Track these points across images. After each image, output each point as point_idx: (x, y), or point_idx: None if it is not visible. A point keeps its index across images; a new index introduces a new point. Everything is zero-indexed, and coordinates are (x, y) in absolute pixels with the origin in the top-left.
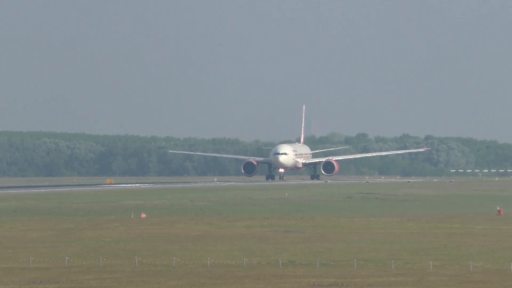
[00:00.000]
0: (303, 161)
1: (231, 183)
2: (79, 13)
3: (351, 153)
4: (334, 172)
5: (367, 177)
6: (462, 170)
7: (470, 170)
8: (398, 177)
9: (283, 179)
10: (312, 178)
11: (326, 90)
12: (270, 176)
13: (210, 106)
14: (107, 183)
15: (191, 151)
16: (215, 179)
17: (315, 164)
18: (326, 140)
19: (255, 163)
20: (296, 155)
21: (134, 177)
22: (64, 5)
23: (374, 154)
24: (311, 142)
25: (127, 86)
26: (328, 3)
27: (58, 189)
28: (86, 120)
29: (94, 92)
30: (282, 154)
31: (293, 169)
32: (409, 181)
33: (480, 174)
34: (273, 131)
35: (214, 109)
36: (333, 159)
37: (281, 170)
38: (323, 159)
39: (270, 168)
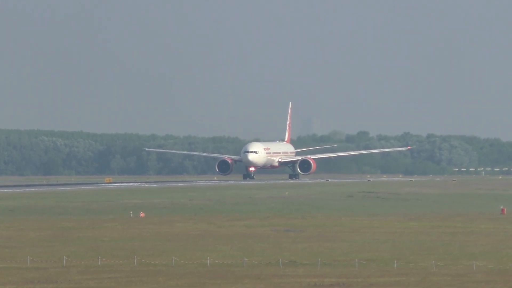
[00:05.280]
0: (279, 160)
1: (231, 182)
2: (77, 10)
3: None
4: (311, 171)
5: (368, 176)
6: (465, 169)
7: (473, 169)
8: (400, 176)
9: (253, 178)
10: (290, 178)
11: (328, 89)
12: (248, 175)
13: (210, 104)
14: (105, 181)
15: (191, 150)
16: (215, 178)
17: (293, 163)
18: (328, 138)
19: (229, 161)
20: (268, 153)
21: (133, 176)
22: (62, 2)
23: (360, 152)
24: (312, 140)
25: (125, 84)
26: (329, 1)
27: (56, 188)
28: (84, 118)
29: (92, 90)
30: (251, 152)
31: (268, 168)
32: (411, 180)
33: (483, 172)
34: (273, 129)
35: (214, 108)
36: (310, 157)
37: (252, 168)
38: (299, 158)
39: (247, 167)
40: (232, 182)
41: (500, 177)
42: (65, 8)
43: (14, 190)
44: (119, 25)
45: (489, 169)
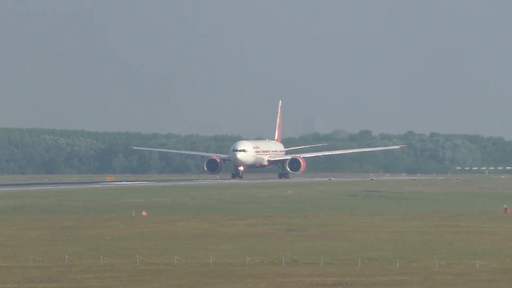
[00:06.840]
0: (269, 158)
1: (233, 180)
2: (77, 10)
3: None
4: (301, 169)
5: (371, 175)
6: (468, 168)
7: (476, 168)
8: (404, 175)
9: (242, 177)
10: (280, 177)
11: (330, 88)
12: (236, 174)
13: (212, 103)
14: (107, 180)
15: (193, 149)
16: (218, 177)
17: (282, 161)
18: (330, 137)
19: (218, 160)
20: (257, 152)
21: (135, 175)
22: (62, 2)
23: (353, 151)
24: (314, 139)
25: (127, 83)
26: (331, 0)
27: (57, 187)
28: (86, 117)
29: (94, 89)
30: (240, 151)
31: (257, 167)
32: (414, 179)
33: (486, 171)
34: (275, 128)
35: (216, 107)
36: (300, 156)
37: (241, 167)
38: (289, 156)
39: (236, 166)
40: (234, 180)
41: (503, 176)
42: (65, 8)
43: (16, 188)
44: (119, 25)
45: (492, 168)
